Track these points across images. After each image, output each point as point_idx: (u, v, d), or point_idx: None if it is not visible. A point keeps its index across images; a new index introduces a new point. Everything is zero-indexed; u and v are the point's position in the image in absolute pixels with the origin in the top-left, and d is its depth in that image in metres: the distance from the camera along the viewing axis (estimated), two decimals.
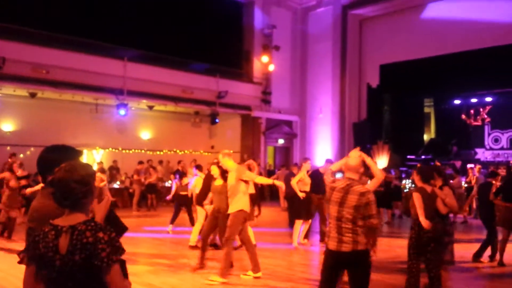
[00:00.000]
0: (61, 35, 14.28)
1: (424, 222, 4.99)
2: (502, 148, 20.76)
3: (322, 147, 20.43)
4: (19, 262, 2.23)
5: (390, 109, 21.05)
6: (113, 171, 15.83)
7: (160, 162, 17.37)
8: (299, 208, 9.07)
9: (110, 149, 16.80)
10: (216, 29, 18.50)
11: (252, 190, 11.65)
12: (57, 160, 2.39)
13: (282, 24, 20.52)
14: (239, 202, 6.34)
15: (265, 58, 19.86)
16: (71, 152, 2.57)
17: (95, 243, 1.94)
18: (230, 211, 6.38)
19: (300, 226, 9.09)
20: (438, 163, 15.12)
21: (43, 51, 13.52)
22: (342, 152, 20.06)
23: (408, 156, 19.75)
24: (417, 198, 5.11)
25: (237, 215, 6.31)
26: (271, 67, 19.95)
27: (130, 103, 15.66)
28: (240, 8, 20.18)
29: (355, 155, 4.09)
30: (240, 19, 20.21)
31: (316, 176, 9.13)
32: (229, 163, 6.54)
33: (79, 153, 2.63)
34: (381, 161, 18.11)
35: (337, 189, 3.96)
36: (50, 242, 1.99)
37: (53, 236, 2.00)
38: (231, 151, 6.94)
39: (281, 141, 20.81)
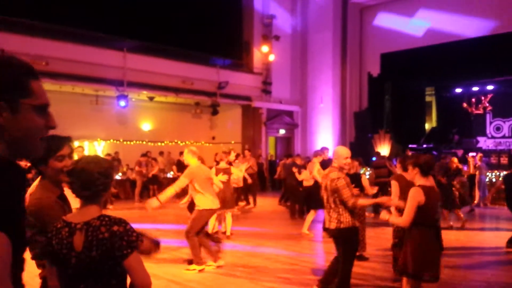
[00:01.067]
0: (60, 27, 14.19)
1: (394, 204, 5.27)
2: (503, 137, 20.72)
3: (324, 136, 20.39)
4: (32, 258, 2.24)
5: (391, 98, 20.96)
6: (114, 163, 15.84)
7: (161, 153, 17.36)
8: (310, 199, 9.26)
9: (111, 140, 16.79)
10: (216, 20, 18.38)
11: (240, 183, 11.75)
12: (47, 149, 2.37)
13: (282, 14, 20.39)
14: (204, 200, 6.44)
15: (265, 48, 19.76)
16: (59, 140, 2.53)
17: (111, 238, 1.93)
18: (197, 207, 6.54)
19: (312, 217, 9.18)
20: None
21: (42, 42, 13.45)
22: (343, 141, 20.04)
23: (410, 145, 19.71)
24: (393, 186, 5.37)
25: (202, 212, 6.46)
26: (271, 57, 19.85)
27: (130, 94, 15.61)
28: None
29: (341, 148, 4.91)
30: (240, 9, 20.07)
31: (326, 166, 9.15)
32: (191, 161, 6.54)
33: (68, 139, 2.60)
34: (383, 150, 18.08)
35: (323, 176, 4.92)
36: (64, 239, 1.99)
37: (66, 233, 2.00)
38: (194, 149, 6.71)
39: (282, 132, 20.77)
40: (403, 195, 5.19)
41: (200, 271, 6.39)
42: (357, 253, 7.07)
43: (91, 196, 2.05)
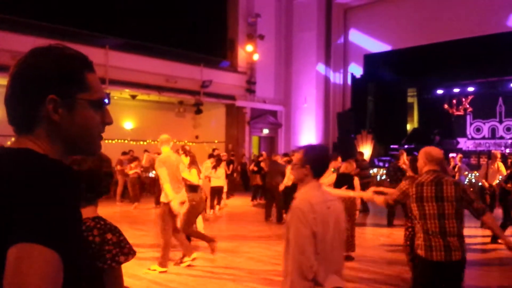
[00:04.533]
0: (41, 23, 13.93)
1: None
2: (483, 138, 21.09)
3: (307, 136, 20.45)
4: None
5: (374, 99, 21.15)
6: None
7: (146, 151, 17.16)
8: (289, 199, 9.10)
9: None
10: (200, 18, 18.27)
11: (222, 182, 11.71)
12: None
13: (266, 13, 20.37)
14: (164, 194, 6.38)
15: (249, 47, 19.72)
16: None
17: (101, 244, 1.83)
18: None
19: None
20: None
21: (22, 39, 13.13)
22: (326, 141, 20.14)
23: (392, 146, 19.90)
24: (401, 184, 5.21)
25: (163, 207, 6.41)
26: (256, 56, 19.83)
27: (112, 93, 15.41)
28: None
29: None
30: (224, 7, 20.00)
31: None
32: (164, 149, 6.53)
33: None
34: (365, 150, 18.21)
35: None
36: None
37: None
38: (165, 137, 6.69)
39: (265, 131, 20.77)
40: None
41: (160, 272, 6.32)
42: (345, 254, 7.16)
43: (93, 198, 1.93)
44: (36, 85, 1.04)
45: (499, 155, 10.33)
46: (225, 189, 12.69)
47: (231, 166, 16.01)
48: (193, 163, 7.34)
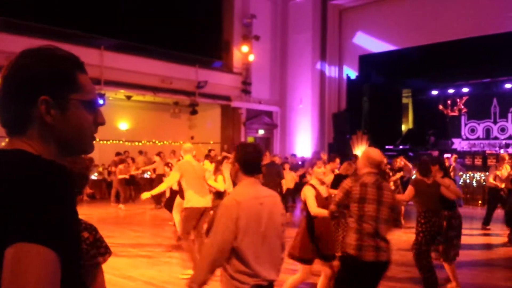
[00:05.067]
0: (36, 24, 13.88)
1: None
2: (478, 138, 21.17)
3: (302, 137, 20.48)
4: None
5: (369, 100, 21.18)
6: (86, 162, 15.51)
7: (140, 152, 17.13)
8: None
9: None
10: (195, 19, 18.24)
11: (222, 186, 11.68)
12: None
13: (262, 14, 20.38)
14: (188, 198, 6.33)
15: (245, 48, 19.72)
16: None
17: None
18: (183, 206, 6.53)
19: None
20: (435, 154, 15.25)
21: (17, 39, 13.10)
22: (322, 142, 20.18)
23: (387, 146, 19.94)
24: (408, 189, 5.30)
25: (187, 210, 6.35)
26: (251, 57, 19.83)
27: (107, 93, 15.37)
28: None
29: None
30: (220, 8, 19.99)
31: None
32: (186, 158, 6.57)
33: None
34: (361, 151, 18.24)
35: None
36: None
37: None
38: (190, 146, 6.74)
39: (261, 132, 20.77)
40: (421, 199, 5.26)
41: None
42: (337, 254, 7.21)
43: None
44: (28, 86, 1.05)
45: (507, 157, 10.36)
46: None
47: None
48: (218, 169, 7.43)
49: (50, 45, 1.11)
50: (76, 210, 1.03)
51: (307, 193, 4.79)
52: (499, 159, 10.57)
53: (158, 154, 14.73)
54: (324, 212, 4.44)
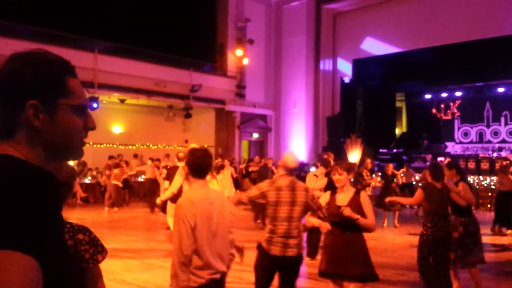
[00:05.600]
0: (29, 27, 13.83)
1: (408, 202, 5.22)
2: (471, 142, 21.30)
3: (297, 141, 20.50)
4: None
5: (363, 103, 21.28)
6: (79, 166, 15.41)
7: (135, 155, 17.06)
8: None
9: None
10: (190, 22, 18.25)
11: (217, 189, 11.70)
12: None
13: (256, 18, 20.42)
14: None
15: (239, 52, 19.74)
16: None
17: (76, 246, 1.83)
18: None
19: None
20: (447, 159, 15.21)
21: (8, 42, 13.01)
22: (316, 146, 20.20)
23: (380, 150, 20.03)
24: (417, 193, 5.25)
25: None
26: (245, 61, 19.85)
27: (101, 97, 15.30)
28: (214, 1, 19.98)
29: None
30: (214, 12, 20.01)
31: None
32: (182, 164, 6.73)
33: None
34: (355, 154, 18.28)
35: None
36: None
37: None
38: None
39: (255, 135, 20.76)
40: (430, 204, 5.19)
41: None
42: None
43: None
44: (17, 90, 1.03)
45: None
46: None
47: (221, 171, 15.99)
48: (213, 175, 7.47)
49: (40, 49, 1.09)
50: (61, 217, 1.01)
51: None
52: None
53: (152, 159, 14.70)
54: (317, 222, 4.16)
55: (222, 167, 12.03)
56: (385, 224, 11.05)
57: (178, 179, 6.51)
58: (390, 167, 11.62)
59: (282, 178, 4.04)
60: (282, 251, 3.91)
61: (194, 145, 6.67)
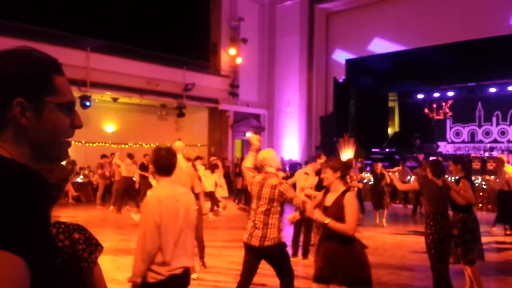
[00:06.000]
0: (21, 24, 13.71)
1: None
2: (463, 142, 21.43)
3: (290, 140, 20.54)
4: None
5: (356, 103, 21.35)
6: (68, 166, 15.30)
7: (129, 155, 16.95)
8: None
9: (73, 142, 16.31)
10: (182, 21, 18.21)
11: (212, 188, 11.70)
12: None
13: (249, 17, 20.42)
14: None
15: (232, 51, 19.72)
16: None
17: (73, 245, 1.82)
18: None
19: None
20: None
21: (1, 40, 12.94)
22: (309, 145, 20.24)
23: (373, 149, 20.10)
24: (413, 184, 5.25)
25: None
26: (239, 60, 19.84)
27: (93, 95, 15.24)
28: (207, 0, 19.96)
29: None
30: (208, 11, 19.98)
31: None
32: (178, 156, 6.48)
33: None
34: (347, 154, 18.35)
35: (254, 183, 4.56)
36: None
37: None
38: (180, 144, 6.65)
39: (249, 134, 20.74)
40: (431, 201, 5.08)
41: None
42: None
43: None
44: (3, 88, 1.02)
45: (505, 159, 10.40)
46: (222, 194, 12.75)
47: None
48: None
49: (27, 46, 1.09)
50: (48, 217, 1.01)
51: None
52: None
53: (130, 155, 14.52)
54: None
55: (216, 166, 12.05)
56: (377, 221, 11.11)
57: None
58: (379, 166, 11.58)
59: (259, 175, 4.42)
60: (247, 239, 4.28)
61: (179, 143, 6.62)
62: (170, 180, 3.24)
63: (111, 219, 11.79)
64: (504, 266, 7.37)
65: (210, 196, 11.89)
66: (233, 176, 18.91)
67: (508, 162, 10.40)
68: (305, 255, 7.40)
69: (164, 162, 3.20)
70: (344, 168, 4.27)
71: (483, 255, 5.70)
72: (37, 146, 1.07)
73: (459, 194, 5.30)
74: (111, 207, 12.86)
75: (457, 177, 5.62)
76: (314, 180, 7.09)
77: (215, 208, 12.21)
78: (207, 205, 12.10)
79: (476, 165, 15.49)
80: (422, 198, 5.21)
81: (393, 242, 9.17)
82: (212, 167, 11.80)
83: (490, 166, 14.53)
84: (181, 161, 6.42)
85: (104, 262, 6.85)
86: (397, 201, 15.28)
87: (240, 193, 14.76)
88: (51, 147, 1.10)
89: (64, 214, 11.56)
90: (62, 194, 2.04)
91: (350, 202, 3.84)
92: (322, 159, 7.78)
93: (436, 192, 5.07)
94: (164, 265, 2.98)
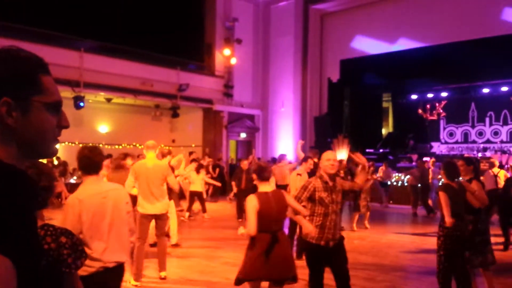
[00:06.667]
0: (14, 25, 13.63)
1: (448, 220, 4.74)
2: (456, 142, 21.54)
3: (284, 141, 20.54)
4: None
5: (350, 104, 21.40)
6: (59, 167, 15.22)
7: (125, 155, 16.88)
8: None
9: (66, 143, 16.25)
10: (177, 21, 18.18)
11: (200, 187, 11.62)
12: None
13: (244, 17, 20.42)
14: (139, 202, 6.13)
15: (227, 51, 19.71)
16: None
17: (58, 249, 1.80)
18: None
19: None
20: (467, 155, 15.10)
21: None
22: (303, 146, 20.19)
23: (367, 150, 20.14)
24: (441, 197, 4.85)
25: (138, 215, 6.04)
26: (233, 61, 19.83)
27: (87, 96, 15.18)
28: (202, 0, 19.93)
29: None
30: (202, 11, 19.96)
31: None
32: (149, 155, 6.24)
33: None
34: (341, 154, 18.37)
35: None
36: None
37: None
38: (151, 143, 6.41)
39: (243, 135, 20.76)
40: (454, 204, 4.87)
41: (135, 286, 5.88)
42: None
43: None
44: None
45: (497, 163, 10.40)
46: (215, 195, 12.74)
47: (217, 170, 15.94)
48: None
49: (13, 46, 1.09)
50: (35, 217, 1.00)
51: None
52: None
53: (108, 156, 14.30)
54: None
55: (201, 166, 11.96)
56: (354, 224, 10.43)
57: (130, 178, 6.19)
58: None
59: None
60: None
61: (151, 142, 6.48)
62: (95, 178, 3.28)
63: None
64: (502, 266, 7.40)
65: (198, 196, 11.79)
66: (228, 176, 18.88)
67: (506, 163, 10.45)
68: (299, 256, 7.38)
69: (87, 161, 3.23)
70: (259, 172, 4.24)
71: (494, 258, 5.49)
72: (24, 145, 1.06)
73: (474, 195, 5.15)
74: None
75: (468, 179, 5.43)
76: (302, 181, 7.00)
77: (194, 211, 12.01)
78: (184, 204, 12.06)
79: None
80: (439, 200, 4.99)
81: (386, 242, 9.20)
82: (197, 168, 11.73)
83: (484, 166, 14.60)
84: (147, 162, 6.22)
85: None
86: (391, 202, 15.33)
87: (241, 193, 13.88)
88: (38, 146, 1.09)
89: (57, 216, 11.49)
90: (52, 196, 2.03)
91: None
92: (309, 162, 7.72)
93: (453, 195, 4.92)
94: (94, 260, 3.04)
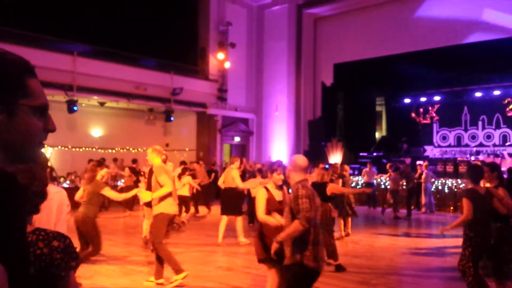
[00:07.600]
0: (6, 28, 13.55)
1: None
2: (449, 146, 21.62)
3: (278, 144, 20.55)
4: None
5: (344, 107, 21.45)
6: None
7: (115, 159, 16.84)
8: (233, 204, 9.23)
9: (59, 147, 16.15)
10: (171, 25, 18.17)
11: (186, 192, 11.48)
12: None
13: (238, 22, 20.45)
14: (161, 204, 6.08)
15: (220, 55, 19.72)
16: None
17: (50, 253, 1.77)
18: (153, 213, 6.17)
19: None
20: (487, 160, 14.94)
21: None
22: (297, 149, 20.26)
23: (361, 154, 20.18)
24: (465, 204, 4.73)
25: (159, 217, 6.06)
26: (227, 64, 19.84)
27: (80, 100, 15.11)
28: (195, 4, 19.94)
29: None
30: (196, 15, 19.97)
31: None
32: (156, 160, 6.28)
33: None
34: (335, 158, 18.42)
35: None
36: None
37: None
38: (159, 148, 6.47)
39: (237, 139, 20.74)
40: (477, 210, 4.76)
41: (183, 278, 5.93)
42: (335, 263, 6.81)
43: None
44: None
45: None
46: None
47: (212, 175, 15.87)
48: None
49: (0, 49, 1.07)
50: (24, 222, 0.98)
51: (258, 195, 4.79)
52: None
53: (114, 159, 14.47)
54: (271, 220, 4.58)
55: (185, 170, 11.64)
56: (343, 233, 9.77)
57: (169, 178, 6.20)
58: (338, 166, 10.93)
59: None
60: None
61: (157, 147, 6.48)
62: None
63: (100, 224, 11.64)
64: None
65: (183, 200, 11.60)
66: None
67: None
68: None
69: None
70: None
71: None
72: (9, 149, 1.04)
73: (501, 202, 4.97)
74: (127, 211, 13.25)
75: (493, 185, 5.20)
76: None
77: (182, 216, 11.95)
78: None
79: (462, 168, 15.59)
80: (462, 205, 4.85)
81: (381, 245, 9.19)
82: (180, 174, 11.43)
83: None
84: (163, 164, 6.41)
85: (91, 268, 6.78)
86: (386, 205, 15.33)
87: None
88: (24, 150, 1.07)
89: None
90: (44, 200, 2.00)
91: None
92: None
93: (480, 201, 4.80)
94: None
